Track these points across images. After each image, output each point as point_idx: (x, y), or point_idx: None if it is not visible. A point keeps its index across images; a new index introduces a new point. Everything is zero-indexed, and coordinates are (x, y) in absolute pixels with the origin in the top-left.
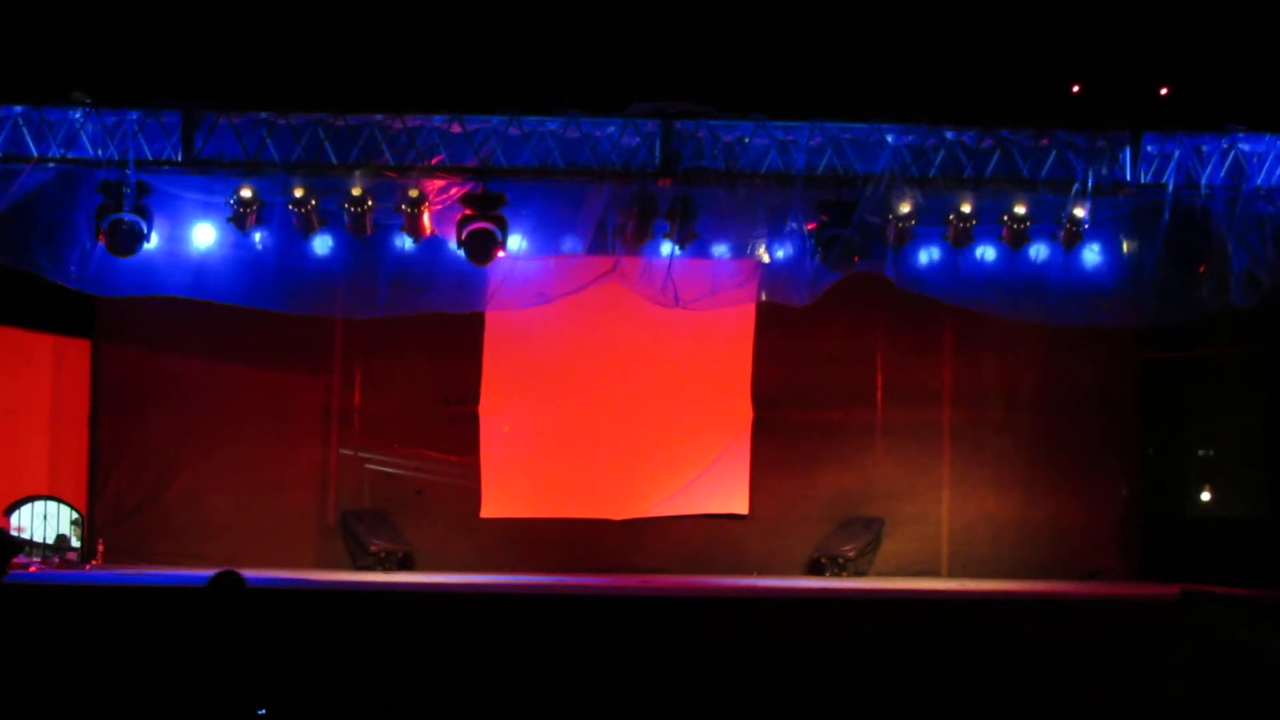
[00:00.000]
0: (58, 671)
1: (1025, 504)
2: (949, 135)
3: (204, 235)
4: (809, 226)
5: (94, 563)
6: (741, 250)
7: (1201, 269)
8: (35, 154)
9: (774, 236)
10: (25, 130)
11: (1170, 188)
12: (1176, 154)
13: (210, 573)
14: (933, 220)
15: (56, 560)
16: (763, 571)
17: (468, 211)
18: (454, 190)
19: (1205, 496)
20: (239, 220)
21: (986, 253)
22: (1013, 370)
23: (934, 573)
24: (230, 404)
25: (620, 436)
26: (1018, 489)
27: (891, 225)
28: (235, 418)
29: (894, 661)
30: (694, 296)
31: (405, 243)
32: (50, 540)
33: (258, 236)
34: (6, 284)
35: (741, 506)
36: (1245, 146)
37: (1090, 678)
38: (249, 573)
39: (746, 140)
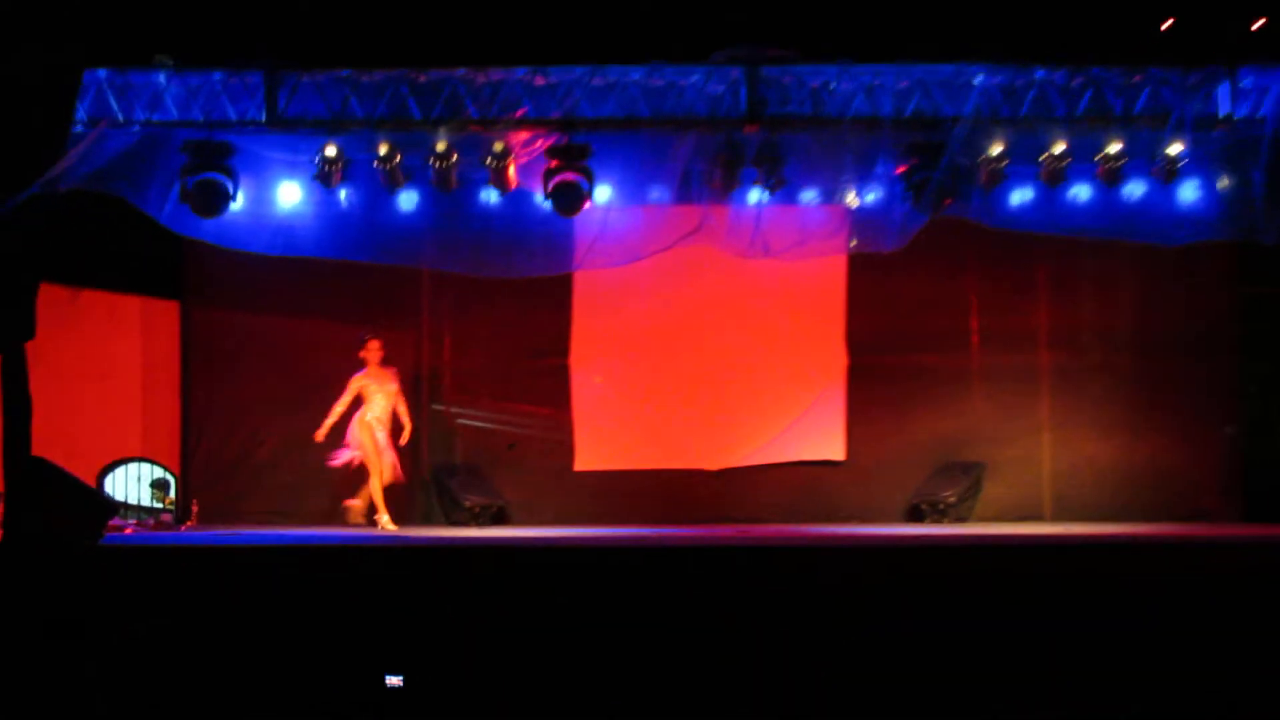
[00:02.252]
0: (158, 633)
1: (1128, 446)
2: (1039, 75)
3: (289, 194)
4: (898, 170)
5: (189, 524)
6: (830, 196)
7: None
8: (121, 118)
9: (862, 181)
10: (109, 94)
11: (1269, 122)
12: (1273, 88)
13: (314, 532)
14: (1025, 160)
15: (151, 522)
16: (860, 519)
17: (553, 164)
18: (539, 143)
19: None
20: (324, 178)
21: (1081, 192)
22: (1110, 311)
23: (1037, 517)
24: (319, 363)
25: (713, 386)
26: (1119, 431)
27: (982, 167)
28: (322, 377)
29: (1001, 608)
30: (784, 246)
31: (491, 196)
32: (145, 502)
33: (343, 194)
34: (93, 247)
35: (837, 453)
36: None
37: (1205, 621)
38: (343, 531)
39: (832, 86)
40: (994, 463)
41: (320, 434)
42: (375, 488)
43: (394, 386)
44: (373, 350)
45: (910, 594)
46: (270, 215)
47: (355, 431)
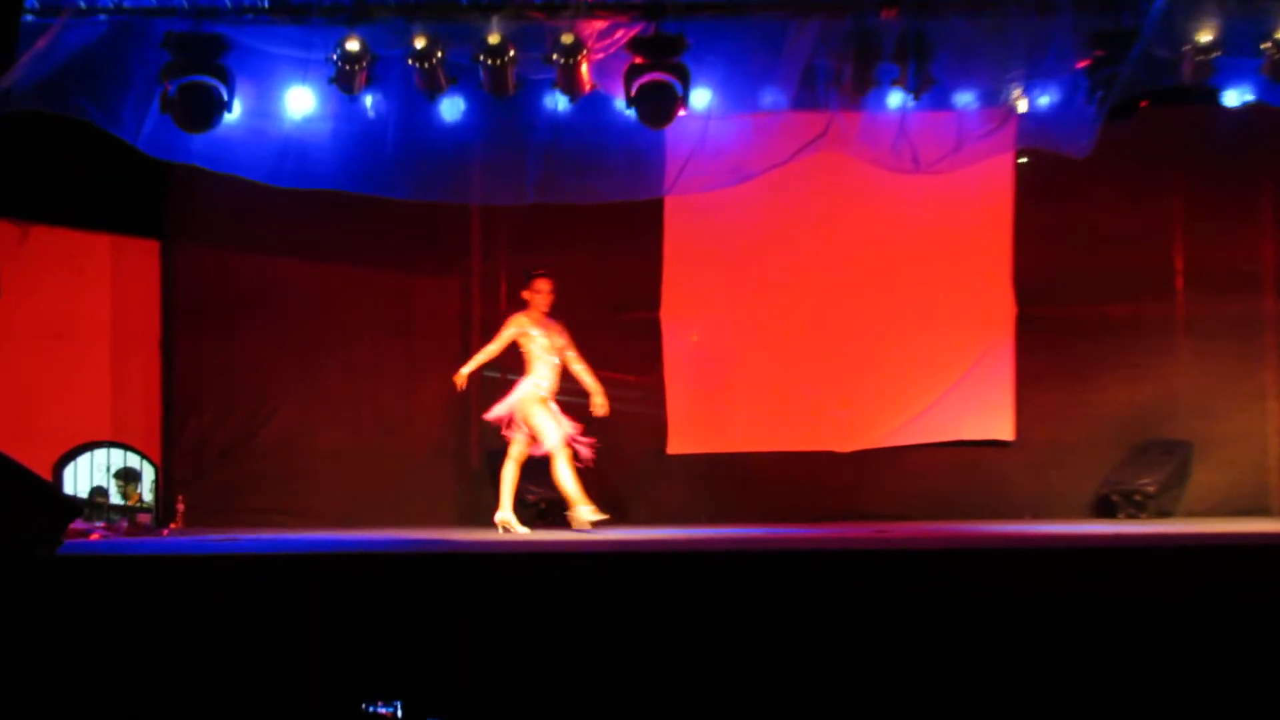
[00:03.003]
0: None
1: None
2: None
3: (300, 102)
4: (1080, 64)
5: (173, 526)
6: (993, 98)
7: None
8: (84, 4)
9: (1033, 79)
10: None
11: None
12: None
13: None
14: (1244, 49)
15: (125, 524)
16: (1036, 515)
17: (638, 60)
18: (619, 33)
19: None
20: (345, 81)
21: None
22: None
23: (1263, 510)
24: (338, 318)
25: (842, 345)
26: None
27: (1188, 57)
28: (345, 335)
29: (1221, 629)
30: (934, 157)
31: (559, 103)
32: (117, 499)
33: (369, 101)
34: (48, 169)
35: (1005, 430)
36: None
37: None
38: (373, 534)
39: None
40: (1206, 441)
41: (461, 377)
42: (565, 474)
43: (564, 341)
44: (541, 292)
45: (1103, 613)
46: (275, 130)
47: (522, 407)
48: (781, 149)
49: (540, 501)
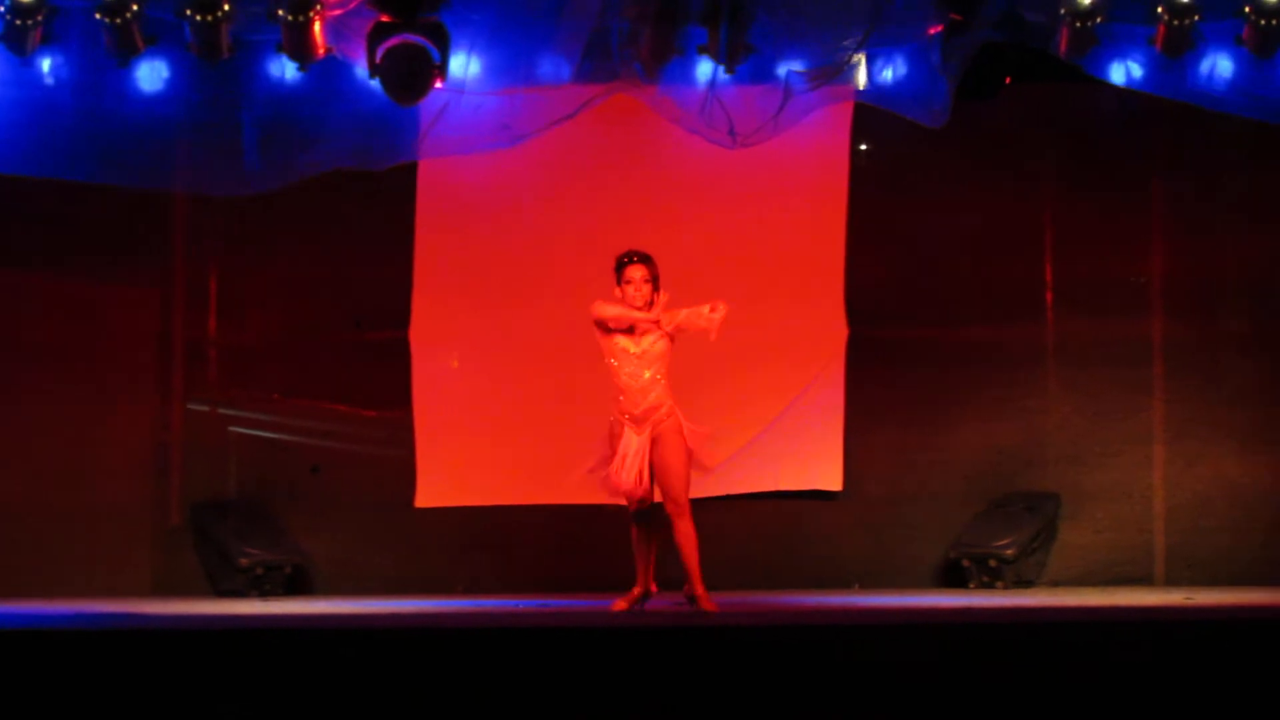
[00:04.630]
0: None
1: None
2: None
3: None
4: (931, 31)
5: None
6: (825, 70)
7: None
8: None
9: (875, 46)
10: None
11: None
12: None
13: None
14: (1132, 15)
15: None
16: (867, 584)
17: (384, 19)
18: None
19: None
20: (16, 39)
21: (1219, 63)
22: (1268, 251)
23: (1144, 579)
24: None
25: None
26: (1276, 444)
27: (1065, 24)
28: (10, 362)
29: None
30: (751, 128)
31: (286, 70)
32: None
33: (46, 65)
34: None
35: (831, 479)
36: None
37: None
38: (46, 607)
39: None
40: (1076, 494)
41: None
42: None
43: (665, 344)
44: (637, 281)
45: (945, 707)
46: None
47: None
48: (563, 105)
49: (256, 567)
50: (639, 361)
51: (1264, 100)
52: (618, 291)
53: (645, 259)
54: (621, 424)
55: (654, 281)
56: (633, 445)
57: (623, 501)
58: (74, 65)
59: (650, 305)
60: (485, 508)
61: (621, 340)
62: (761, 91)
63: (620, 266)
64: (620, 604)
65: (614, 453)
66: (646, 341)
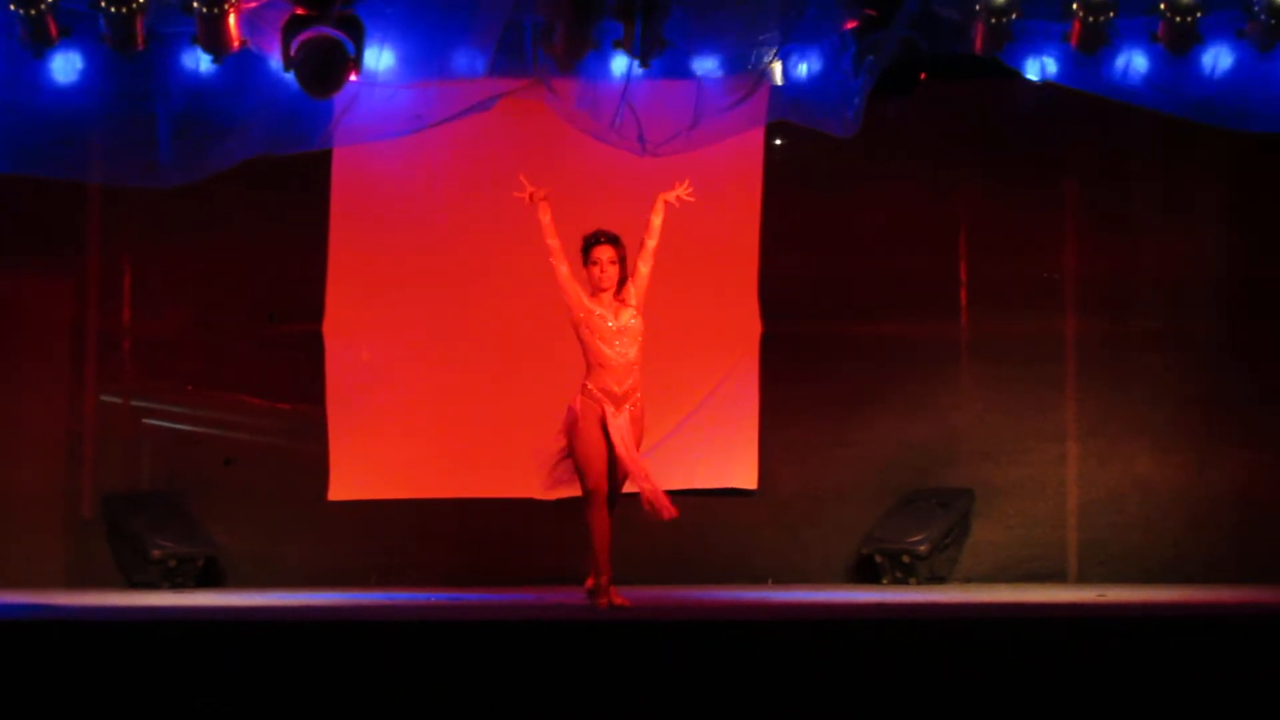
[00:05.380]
0: None
1: (1199, 465)
2: None
3: None
4: (846, 26)
5: None
6: (739, 66)
7: None
8: None
9: (790, 42)
10: None
11: None
12: None
13: None
14: (1046, 10)
15: None
16: (781, 578)
17: (299, 11)
18: None
19: None
20: None
21: (1134, 60)
22: (1180, 249)
23: (1057, 575)
24: None
25: (547, 367)
26: (1188, 440)
27: (979, 19)
28: None
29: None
30: (665, 135)
31: (201, 63)
32: None
33: None
34: None
35: (746, 476)
36: None
37: None
38: None
39: None
40: (989, 491)
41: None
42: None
43: (640, 322)
44: (603, 262)
45: (852, 700)
46: None
47: (575, 425)
48: (473, 96)
49: (169, 560)
50: (619, 337)
51: (1179, 94)
52: (584, 273)
53: (613, 239)
54: (595, 408)
55: (621, 262)
56: (623, 428)
57: (578, 492)
58: None
59: (621, 286)
60: (397, 501)
61: (599, 310)
62: (675, 87)
63: (587, 246)
64: (608, 599)
65: (582, 442)
66: (625, 316)
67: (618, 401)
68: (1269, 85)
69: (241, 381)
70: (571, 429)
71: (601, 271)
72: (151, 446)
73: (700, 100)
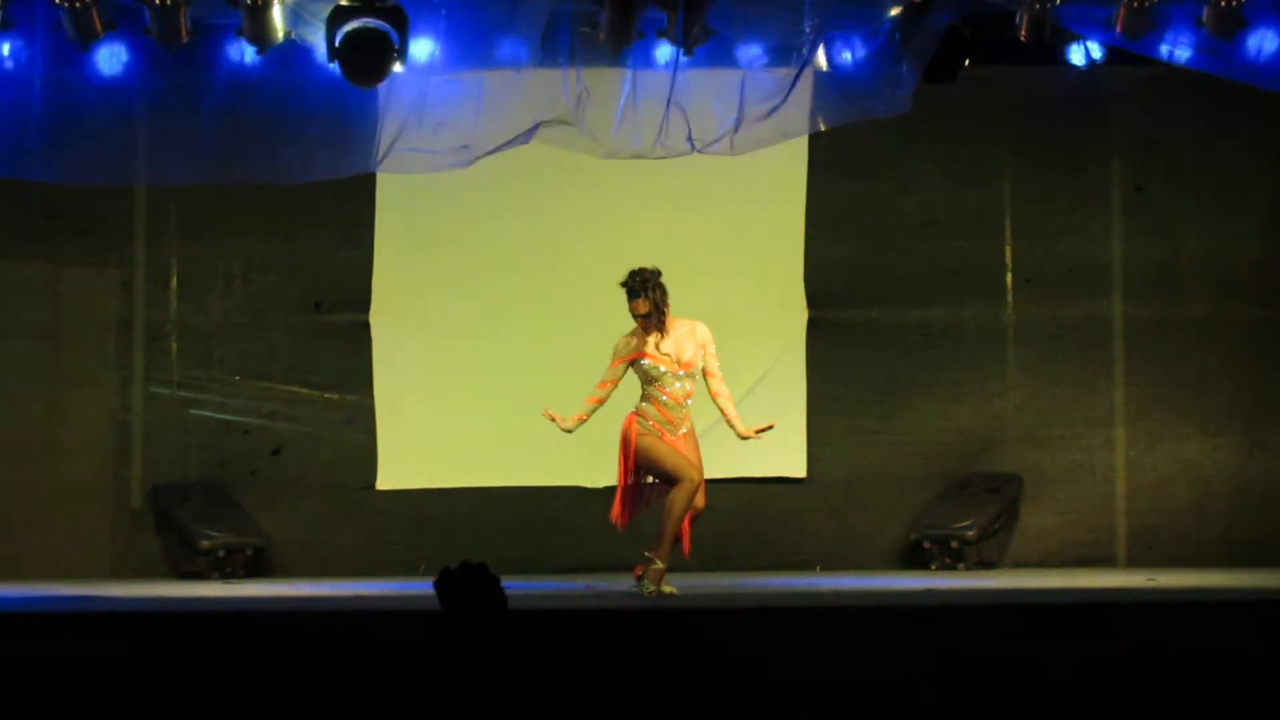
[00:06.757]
0: None
1: (1249, 449)
2: None
3: None
4: (892, 13)
5: None
6: (784, 55)
7: None
8: None
9: (836, 30)
10: None
11: None
12: None
13: None
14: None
15: None
16: (829, 565)
17: (343, 2)
18: None
19: None
20: None
21: (1178, 49)
22: (1227, 233)
23: (1106, 560)
24: None
25: (596, 357)
26: (1238, 426)
27: (1025, 7)
28: None
29: (1054, 707)
30: (713, 132)
31: (246, 55)
32: None
33: (6, 49)
34: None
35: (795, 464)
36: None
37: None
38: (7, 589)
39: None
40: (1038, 476)
41: (568, 423)
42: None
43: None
44: (636, 317)
45: (902, 690)
46: None
47: (641, 442)
48: (519, 119)
49: (218, 550)
50: (676, 374)
51: (1231, 60)
52: (634, 306)
53: (628, 289)
54: (655, 435)
55: (650, 301)
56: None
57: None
58: (33, 50)
59: (662, 323)
60: (446, 489)
61: (651, 351)
62: (720, 77)
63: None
64: (657, 587)
65: (652, 450)
66: (666, 345)
67: (674, 431)
68: None
69: (289, 372)
70: (636, 446)
71: (640, 327)
72: (199, 437)
73: (744, 90)
